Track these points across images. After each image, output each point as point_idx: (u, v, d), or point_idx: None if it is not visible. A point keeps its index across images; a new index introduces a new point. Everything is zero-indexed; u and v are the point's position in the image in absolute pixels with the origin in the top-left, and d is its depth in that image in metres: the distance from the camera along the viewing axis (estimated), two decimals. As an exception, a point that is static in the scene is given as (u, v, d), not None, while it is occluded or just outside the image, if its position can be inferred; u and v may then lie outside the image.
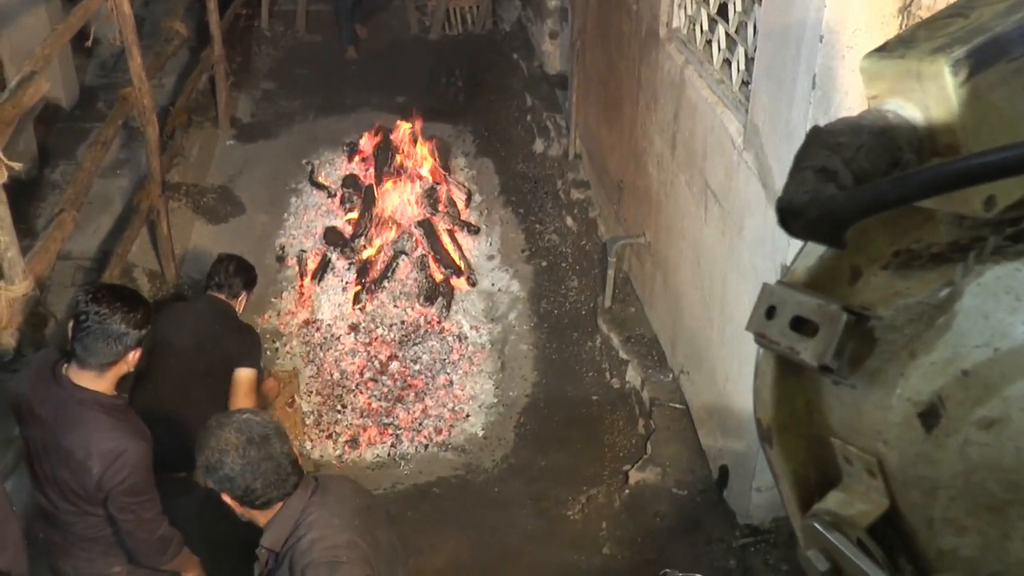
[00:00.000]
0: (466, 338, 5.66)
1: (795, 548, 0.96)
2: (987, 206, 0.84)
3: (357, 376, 5.40)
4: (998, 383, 0.80)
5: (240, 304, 4.07)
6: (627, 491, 4.35)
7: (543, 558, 4.17)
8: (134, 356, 2.87)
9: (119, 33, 4.95)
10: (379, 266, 6.06)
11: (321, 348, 5.58)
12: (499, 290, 6.08)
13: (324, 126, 7.89)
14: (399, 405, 5.22)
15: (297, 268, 6.16)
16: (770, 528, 3.85)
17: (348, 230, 6.37)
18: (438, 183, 6.75)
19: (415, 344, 5.59)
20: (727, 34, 3.97)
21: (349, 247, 6.20)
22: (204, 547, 3.26)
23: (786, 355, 0.90)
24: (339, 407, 5.20)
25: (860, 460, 0.90)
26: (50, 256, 3.97)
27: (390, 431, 5.06)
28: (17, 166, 3.37)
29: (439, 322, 5.75)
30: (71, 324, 2.81)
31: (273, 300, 5.94)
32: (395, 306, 5.85)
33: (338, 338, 5.64)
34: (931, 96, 0.86)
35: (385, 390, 5.31)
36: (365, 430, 5.05)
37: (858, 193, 0.83)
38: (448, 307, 5.83)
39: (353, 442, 4.98)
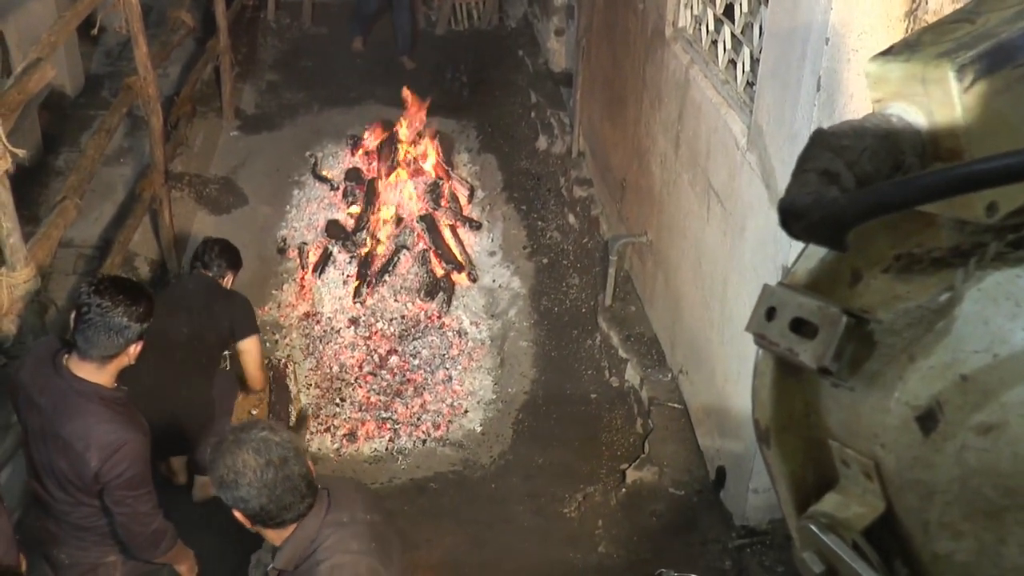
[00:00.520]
0: (466, 334, 5.66)
1: (791, 550, 0.96)
2: (989, 212, 0.84)
3: (356, 370, 5.40)
4: (996, 389, 0.80)
5: (226, 284, 4.16)
6: (624, 490, 4.36)
7: (539, 555, 4.17)
8: (135, 349, 2.87)
9: (125, 22, 4.95)
10: (380, 260, 6.06)
11: (321, 341, 5.58)
12: (500, 286, 6.08)
13: (328, 118, 7.89)
14: (398, 400, 5.22)
15: (298, 260, 6.16)
16: (766, 530, 3.86)
17: (350, 223, 6.38)
18: (441, 178, 6.75)
19: (415, 339, 5.60)
20: (733, 35, 3.97)
21: (351, 240, 6.20)
22: (198, 540, 3.28)
23: (785, 356, 0.90)
24: (338, 400, 5.21)
25: (857, 463, 0.90)
26: (52, 243, 3.97)
27: (388, 425, 5.06)
28: (21, 153, 3.38)
29: (439, 317, 5.75)
30: (73, 315, 2.81)
31: (274, 292, 5.95)
32: (395, 300, 5.85)
33: (338, 331, 5.64)
34: (935, 101, 0.86)
35: (384, 384, 5.32)
36: (363, 424, 5.06)
37: (860, 196, 0.83)
38: (448, 302, 5.83)
39: (351, 436, 4.99)
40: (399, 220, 6.35)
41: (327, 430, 5.02)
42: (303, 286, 5.97)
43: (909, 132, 0.88)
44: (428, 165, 6.80)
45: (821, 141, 0.88)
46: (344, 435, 4.99)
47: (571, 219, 6.42)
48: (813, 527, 0.90)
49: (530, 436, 4.96)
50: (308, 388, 5.28)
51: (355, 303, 5.80)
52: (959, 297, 0.84)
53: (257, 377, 4.22)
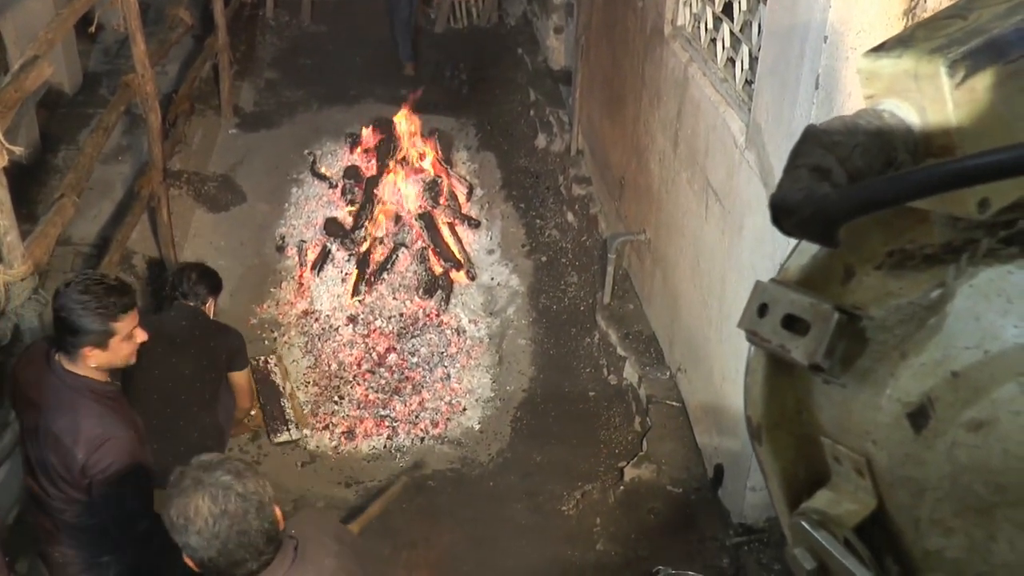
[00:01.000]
0: (464, 332, 5.66)
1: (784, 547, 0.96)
2: (981, 208, 0.84)
3: (355, 367, 5.40)
4: (987, 385, 0.80)
5: (209, 310, 4.03)
6: (622, 487, 4.36)
7: (537, 552, 4.17)
8: (118, 342, 2.84)
9: (123, 19, 4.95)
10: (378, 258, 6.06)
11: (319, 339, 5.58)
12: (498, 284, 6.08)
13: (327, 116, 7.89)
14: (396, 397, 5.22)
15: (297, 258, 6.16)
16: (764, 527, 3.86)
17: (349, 221, 6.37)
18: (439, 176, 6.75)
19: (413, 337, 5.60)
20: (731, 33, 3.97)
21: (349, 238, 6.20)
22: None
23: (777, 353, 0.90)
24: (336, 398, 5.21)
25: (849, 459, 0.90)
26: (49, 241, 3.97)
27: (386, 423, 5.06)
28: (18, 150, 3.37)
29: (438, 315, 5.75)
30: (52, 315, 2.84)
31: (272, 290, 5.95)
32: (394, 298, 5.85)
33: (336, 329, 5.64)
34: (927, 97, 0.86)
35: (382, 382, 5.32)
36: (362, 422, 5.06)
37: (852, 192, 0.83)
38: (447, 300, 5.83)
39: (349, 433, 4.99)
40: (398, 218, 6.35)
41: (325, 428, 5.02)
42: (301, 284, 5.97)
43: (901, 128, 0.88)
44: (427, 163, 6.81)
45: (813, 137, 0.88)
46: (342, 433, 4.99)
47: (570, 217, 6.41)
48: (805, 524, 0.90)
49: (528, 434, 4.96)
50: (306, 386, 5.28)
51: (353, 301, 5.80)
52: (951, 293, 0.84)
53: (246, 403, 4.20)
